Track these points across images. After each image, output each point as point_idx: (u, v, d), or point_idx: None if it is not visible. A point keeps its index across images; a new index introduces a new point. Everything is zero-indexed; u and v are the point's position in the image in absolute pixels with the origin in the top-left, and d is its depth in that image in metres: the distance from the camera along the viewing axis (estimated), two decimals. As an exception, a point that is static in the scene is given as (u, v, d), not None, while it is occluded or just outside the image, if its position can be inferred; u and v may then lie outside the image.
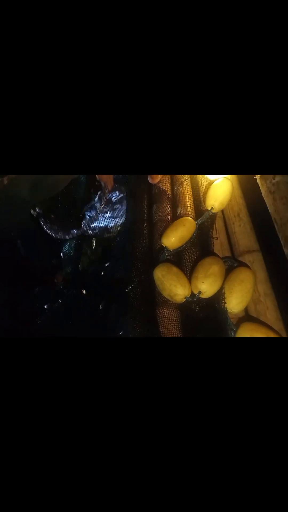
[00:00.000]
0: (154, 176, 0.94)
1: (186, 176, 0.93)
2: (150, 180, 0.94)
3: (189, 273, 0.72)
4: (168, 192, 0.94)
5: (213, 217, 0.81)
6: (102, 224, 1.17)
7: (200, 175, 0.90)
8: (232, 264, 0.71)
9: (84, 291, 1.12)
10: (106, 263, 1.16)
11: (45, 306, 1.04)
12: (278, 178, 0.70)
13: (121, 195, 1.17)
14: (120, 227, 1.16)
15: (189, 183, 0.92)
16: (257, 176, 0.75)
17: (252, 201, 0.80)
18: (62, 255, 1.19)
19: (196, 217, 0.83)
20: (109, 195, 1.14)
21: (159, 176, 0.94)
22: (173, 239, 0.77)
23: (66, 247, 1.19)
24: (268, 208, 0.69)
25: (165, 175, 0.97)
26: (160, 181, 0.95)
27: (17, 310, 1.07)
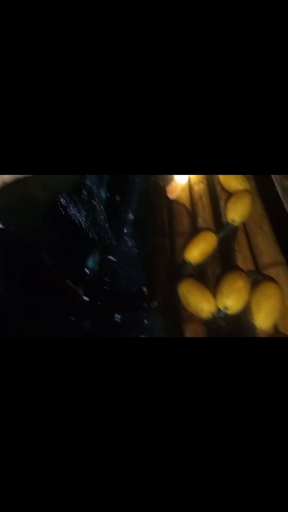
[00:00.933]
0: (172, 191, 0.96)
1: (205, 190, 0.94)
2: (169, 195, 0.96)
3: (213, 288, 0.73)
4: (188, 206, 0.95)
5: (234, 230, 0.81)
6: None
7: (219, 187, 0.91)
8: (257, 278, 0.71)
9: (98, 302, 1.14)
10: (125, 275, 1.18)
11: (63, 313, 1.07)
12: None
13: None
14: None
15: (208, 196, 0.93)
16: (279, 188, 0.74)
17: (275, 213, 0.79)
18: (85, 267, 1.23)
19: (216, 230, 0.84)
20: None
21: (177, 191, 0.96)
22: (195, 253, 0.78)
23: (90, 261, 1.23)
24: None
25: (184, 190, 0.99)
26: (179, 196, 0.96)
27: (36, 316, 1.11)
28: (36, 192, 0.76)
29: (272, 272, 0.71)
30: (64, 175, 0.81)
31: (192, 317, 0.72)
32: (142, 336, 0.97)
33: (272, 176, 0.76)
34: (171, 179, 0.97)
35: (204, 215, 0.89)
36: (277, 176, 0.73)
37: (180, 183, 0.95)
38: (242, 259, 0.78)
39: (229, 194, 0.86)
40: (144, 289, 0.93)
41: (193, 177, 0.99)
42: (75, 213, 1.24)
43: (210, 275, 0.77)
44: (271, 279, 0.69)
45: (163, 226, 0.96)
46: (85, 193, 1.37)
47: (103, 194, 1.35)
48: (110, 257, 1.21)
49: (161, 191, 0.98)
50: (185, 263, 0.80)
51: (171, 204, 0.98)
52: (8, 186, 0.70)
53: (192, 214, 0.93)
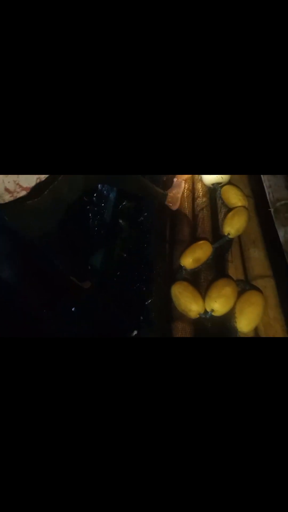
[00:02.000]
0: (174, 203, 1.03)
1: (207, 203, 1.02)
2: (170, 207, 1.03)
3: (204, 292, 0.79)
4: (189, 216, 1.02)
5: (229, 242, 0.88)
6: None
7: (219, 202, 0.98)
8: (245, 287, 0.77)
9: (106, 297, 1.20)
10: (129, 275, 1.25)
11: (72, 309, 1.13)
12: (291, 211, 0.76)
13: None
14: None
15: (209, 209, 1.00)
16: (272, 209, 0.81)
17: (268, 230, 0.86)
18: (90, 264, 1.31)
19: (213, 241, 0.91)
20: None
21: (178, 203, 1.03)
22: (190, 259, 0.85)
23: (95, 258, 1.30)
24: (280, 239, 0.75)
25: (187, 201, 1.06)
26: (181, 206, 1.04)
27: (46, 313, 1.17)
28: (63, 194, 0.80)
29: (260, 283, 0.77)
30: (85, 178, 0.86)
31: (182, 316, 0.78)
32: (134, 332, 1.03)
33: (268, 196, 0.83)
34: (172, 191, 1.05)
35: (204, 226, 0.96)
36: (272, 197, 0.80)
37: (179, 195, 1.03)
38: (234, 269, 0.84)
39: (229, 209, 0.94)
40: (143, 288, 1.00)
41: (198, 190, 1.07)
42: (86, 215, 1.33)
43: (203, 281, 0.83)
44: (257, 289, 0.75)
45: (164, 233, 1.03)
46: (95, 197, 1.47)
47: (112, 198, 1.44)
48: (117, 254, 1.28)
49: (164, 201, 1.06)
50: (180, 268, 0.87)
51: (174, 213, 1.06)
52: (39, 193, 0.75)
53: (193, 224, 1.01)
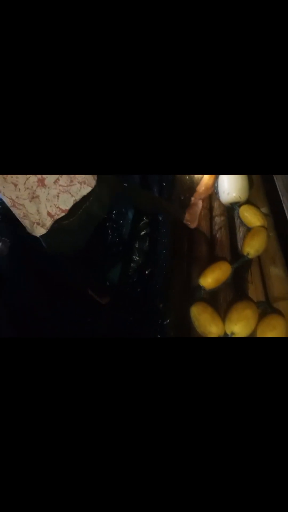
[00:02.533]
0: (192, 221, 1.04)
1: (225, 221, 1.02)
2: (188, 225, 1.05)
3: (223, 313, 0.79)
4: (207, 235, 1.03)
5: (249, 262, 0.87)
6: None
7: (238, 222, 0.98)
8: (266, 309, 0.76)
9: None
10: (147, 292, 1.26)
11: (88, 320, 1.16)
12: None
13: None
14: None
15: (227, 228, 1.00)
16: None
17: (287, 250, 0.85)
18: (108, 280, 1.34)
19: (232, 260, 0.91)
20: None
21: (196, 222, 1.04)
22: (209, 280, 0.85)
23: (113, 273, 1.33)
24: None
25: (205, 219, 1.07)
26: (199, 225, 1.05)
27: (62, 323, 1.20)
28: (93, 212, 0.86)
29: (281, 305, 0.76)
30: (111, 197, 0.91)
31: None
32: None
33: (287, 215, 0.82)
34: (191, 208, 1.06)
35: (222, 245, 0.97)
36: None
37: (197, 214, 1.04)
38: (254, 290, 0.83)
39: (247, 228, 0.94)
40: (160, 305, 1.01)
41: (216, 209, 1.08)
42: (106, 231, 1.37)
43: (222, 301, 0.83)
44: (278, 312, 0.74)
45: (182, 251, 1.04)
46: (114, 213, 1.51)
47: (130, 215, 1.48)
48: (134, 268, 1.30)
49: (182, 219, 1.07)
50: (199, 287, 0.87)
51: (192, 231, 1.07)
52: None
53: (211, 243, 1.01)
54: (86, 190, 0.81)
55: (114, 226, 1.43)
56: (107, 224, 1.41)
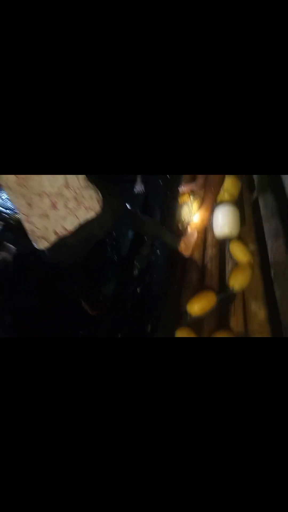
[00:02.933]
0: (186, 250, 1.13)
1: (217, 254, 1.11)
2: (183, 254, 1.13)
3: (205, 340, 0.86)
4: (199, 264, 1.11)
5: (233, 295, 0.95)
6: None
7: (228, 255, 1.07)
8: (243, 341, 0.83)
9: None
10: (138, 309, 1.33)
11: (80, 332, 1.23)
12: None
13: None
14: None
15: (218, 260, 1.09)
16: (272, 270, 0.89)
17: (270, 287, 0.93)
18: (102, 294, 1.41)
19: (219, 290, 0.98)
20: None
21: (190, 251, 1.13)
22: (196, 308, 0.92)
23: (107, 288, 1.41)
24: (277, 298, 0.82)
25: (198, 248, 1.16)
26: (193, 254, 1.14)
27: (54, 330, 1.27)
28: (94, 231, 0.97)
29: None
30: (112, 220, 1.01)
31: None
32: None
33: (269, 258, 0.91)
34: (186, 236, 1.15)
35: (211, 275, 1.05)
36: (273, 260, 0.88)
37: (192, 244, 1.13)
38: (235, 322, 0.91)
39: (235, 263, 1.02)
40: (148, 327, 1.08)
41: (209, 241, 1.17)
42: (105, 248, 1.46)
43: (205, 329, 0.90)
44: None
45: (175, 276, 1.12)
46: (115, 230, 1.60)
47: (130, 234, 1.57)
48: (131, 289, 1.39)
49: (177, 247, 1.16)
50: (186, 313, 0.95)
51: (186, 259, 1.15)
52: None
53: (202, 272, 1.09)
54: (90, 214, 0.91)
55: (114, 243, 1.52)
56: (107, 240, 1.49)
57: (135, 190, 1.65)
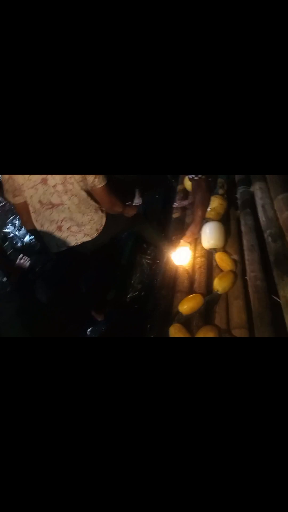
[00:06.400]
0: (178, 259, 1.31)
1: (204, 263, 1.29)
2: (176, 263, 1.32)
3: (193, 334, 1.03)
4: (190, 271, 1.30)
5: (218, 296, 1.13)
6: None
7: (214, 264, 1.25)
8: (225, 334, 1.01)
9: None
10: (137, 311, 1.50)
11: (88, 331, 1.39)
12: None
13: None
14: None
15: (205, 268, 1.27)
16: (247, 277, 1.08)
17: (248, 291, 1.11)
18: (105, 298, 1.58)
19: (206, 294, 1.16)
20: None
21: (182, 260, 1.31)
22: (186, 307, 1.10)
23: (109, 293, 1.58)
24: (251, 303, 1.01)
25: (190, 259, 1.34)
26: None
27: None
28: (102, 241, 1.23)
29: (237, 332, 1.01)
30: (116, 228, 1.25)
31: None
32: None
33: (246, 268, 1.10)
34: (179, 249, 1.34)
35: (200, 281, 1.23)
36: (249, 270, 1.07)
37: (184, 253, 1.31)
38: (219, 319, 1.09)
39: (220, 270, 1.21)
40: (147, 325, 1.25)
41: (198, 251, 1.36)
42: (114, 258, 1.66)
43: (194, 325, 1.07)
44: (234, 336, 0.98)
45: (169, 282, 1.30)
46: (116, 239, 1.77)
47: (130, 243, 1.75)
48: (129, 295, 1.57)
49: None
50: (178, 313, 1.12)
51: (178, 267, 1.33)
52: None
53: (192, 278, 1.27)
54: (86, 239, 1.19)
55: (117, 253, 1.70)
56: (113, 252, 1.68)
57: (134, 203, 1.85)
